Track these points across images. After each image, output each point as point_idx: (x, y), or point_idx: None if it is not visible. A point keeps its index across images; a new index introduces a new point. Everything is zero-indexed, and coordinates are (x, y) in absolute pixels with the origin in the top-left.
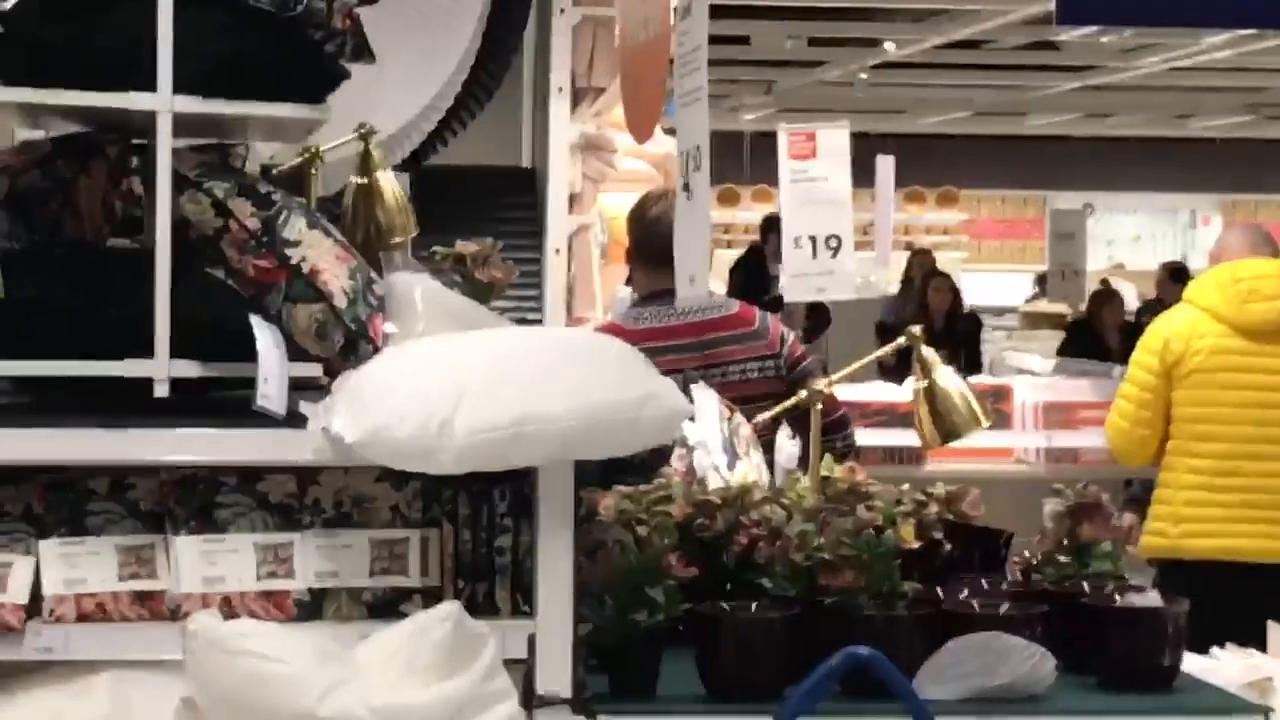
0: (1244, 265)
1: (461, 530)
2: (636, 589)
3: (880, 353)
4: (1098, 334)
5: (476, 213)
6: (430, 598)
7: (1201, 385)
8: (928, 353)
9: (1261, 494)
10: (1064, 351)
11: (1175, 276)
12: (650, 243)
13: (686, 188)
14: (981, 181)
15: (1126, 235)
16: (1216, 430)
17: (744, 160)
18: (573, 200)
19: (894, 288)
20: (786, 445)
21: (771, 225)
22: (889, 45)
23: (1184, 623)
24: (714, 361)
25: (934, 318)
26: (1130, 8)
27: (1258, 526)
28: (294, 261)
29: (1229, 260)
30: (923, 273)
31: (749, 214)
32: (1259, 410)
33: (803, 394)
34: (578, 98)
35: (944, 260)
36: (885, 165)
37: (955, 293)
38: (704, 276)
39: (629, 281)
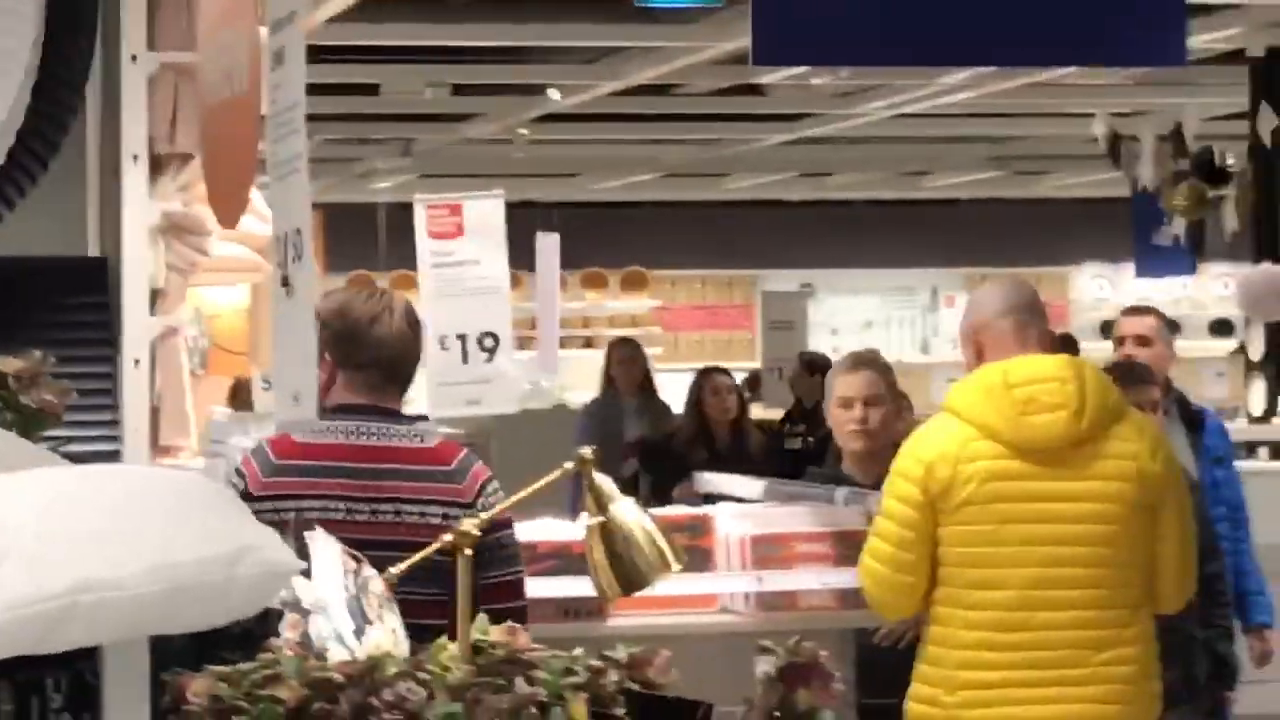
0: (1018, 366)
1: None
2: None
3: (542, 483)
4: None
5: (31, 316)
6: None
7: (975, 519)
8: (601, 480)
9: (1053, 650)
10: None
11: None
12: (363, 350)
13: (286, 282)
14: (676, 260)
15: (855, 321)
16: (997, 575)
17: (378, 240)
18: (156, 297)
19: (571, 394)
20: None
21: None
22: (553, 93)
23: None
24: (386, 495)
25: (715, 431)
26: (843, 44)
27: (1050, 690)
28: None
29: (984, 331)
30: (701, 383)
31: None
32: (1047, 548)
33: (447, 538)
34: (158, 167)
35: None
36: (548, 244)
37: (741, 396)
38: (311, 393)
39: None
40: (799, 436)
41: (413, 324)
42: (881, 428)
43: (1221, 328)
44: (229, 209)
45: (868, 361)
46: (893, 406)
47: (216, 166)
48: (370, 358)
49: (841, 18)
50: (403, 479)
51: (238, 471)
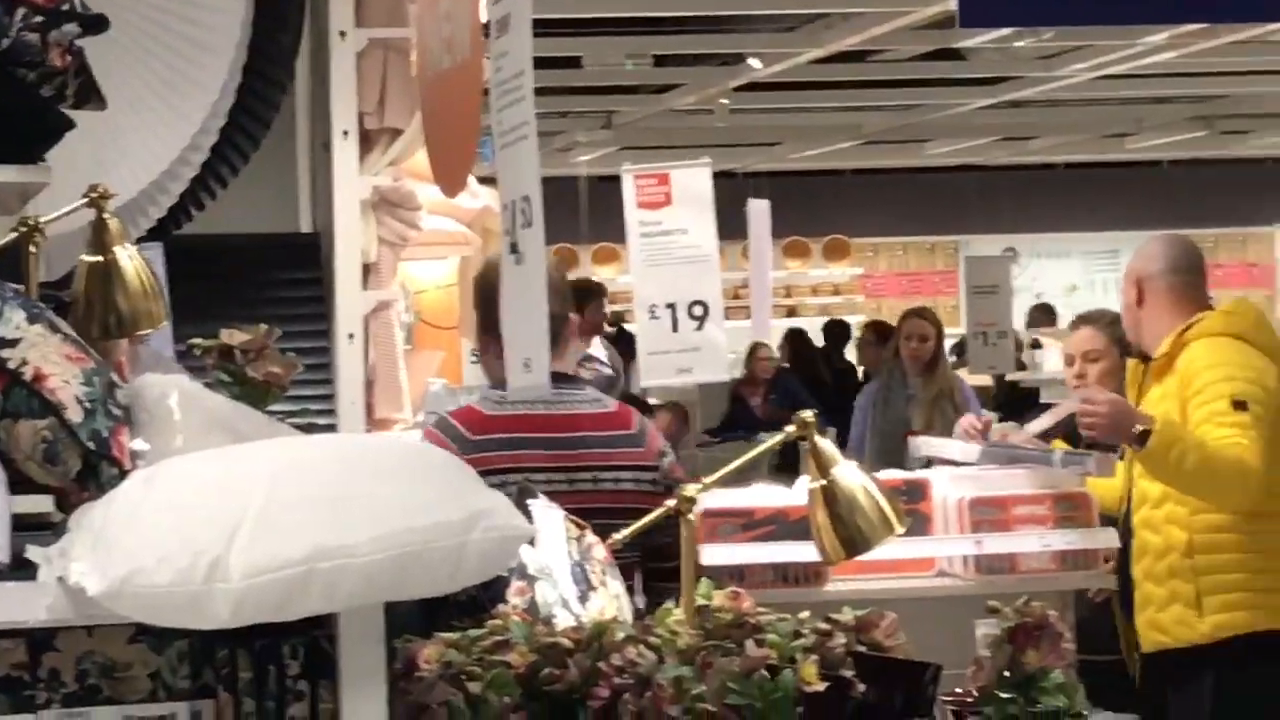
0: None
1: (243, 700)
2: None
3: (763, 448)
4: None
5: (246, 292)
6: None
7: None
8: (824, 444)
9: None
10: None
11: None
12: None
13: (514, 249)
14: (877, 227)
15: (1060, 285)
16: None
17: (581, 213)
18: (368, 271)
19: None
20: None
21: (588, 295)
22: (754, 61)
23: None
24: (583, 464)
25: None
26: (1052, 4)
27: None
28: (11, 366)
29: (1151, 281)
30: None
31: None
32: None
33: (671, 503)
34: (368, 143)
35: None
36: (759, 211)
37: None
38: (542, 360)
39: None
40: None
41: (565, 279)
42: (1101, 382)
43: None
44: (452, 177)
45: (1088, 319)
46: (1120, 361)
47: (438, 135)
48: (490, 316)
49: None
50: (595, 446)
51: None
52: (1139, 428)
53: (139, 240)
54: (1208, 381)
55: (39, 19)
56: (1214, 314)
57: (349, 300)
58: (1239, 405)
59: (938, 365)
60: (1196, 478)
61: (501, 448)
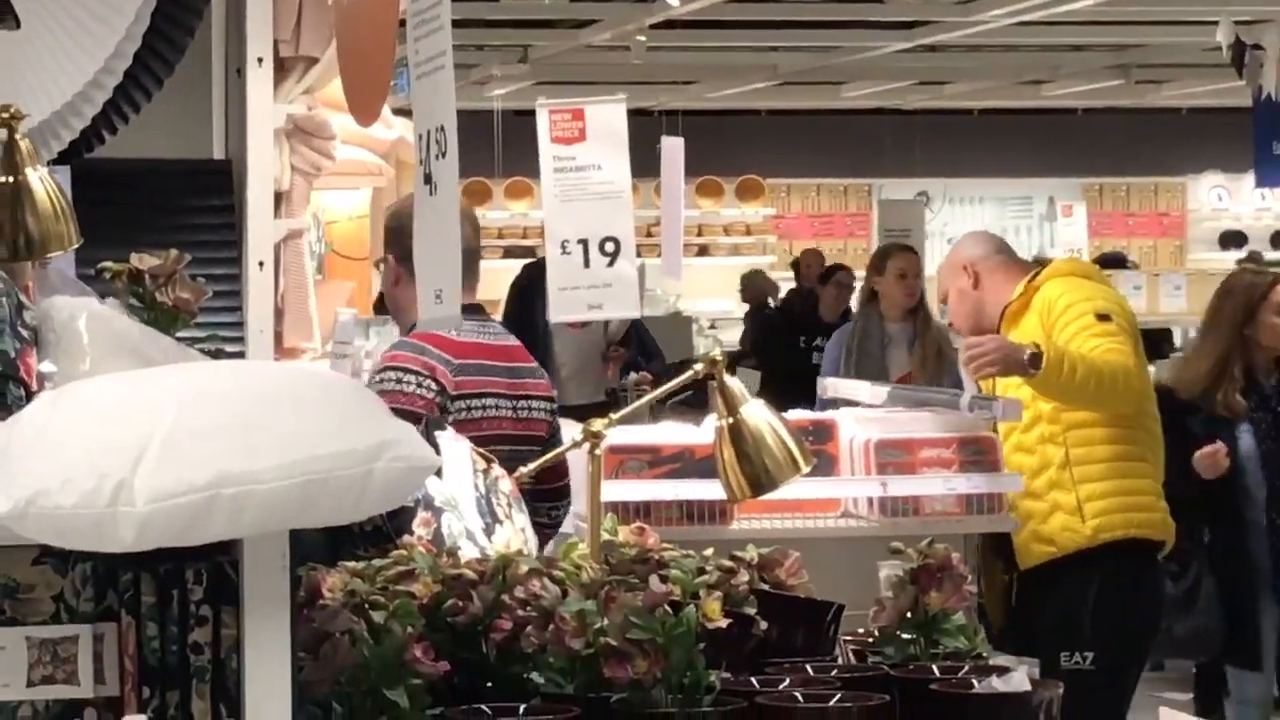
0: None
1: (146, 623)
2: (373, 691)
3: (673, 385)
4: None
5: (157, 218)
6: (108, 711)
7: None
8: (732, 383)
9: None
10: None
11: None
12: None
13: (429, 180)
14: (791, 168)
15: (972, 230)
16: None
17: (495, 146)
18: (279, 200)
19: (686, 302)
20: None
21: None
22: None
23: (1058, 709)
24: (526, 393)
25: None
26: None
27: None
28: None
29: (982, 263)
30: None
31: (502, 213)
32: None
33: (577, 436)
34: (283, 70)
35: (746, 265)
36: (673, 148)
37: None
38: (454, 291)
39: (373, 303)
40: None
41: (471, 210)
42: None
43: None
44: (367, 107)
45: None
46: None
47: (354, 65)
48: (407, 253)
49: None
50: (527, 376)
51: (416, 374)
52: (1026, 354)
53: (50, 163)
54: (1069, 304)
55: None
56: (1058, 261)
57: (260, 228)
58: (1103, 318)
59: (924, 311)
60: (1085, 386)
61: (476, 373)
